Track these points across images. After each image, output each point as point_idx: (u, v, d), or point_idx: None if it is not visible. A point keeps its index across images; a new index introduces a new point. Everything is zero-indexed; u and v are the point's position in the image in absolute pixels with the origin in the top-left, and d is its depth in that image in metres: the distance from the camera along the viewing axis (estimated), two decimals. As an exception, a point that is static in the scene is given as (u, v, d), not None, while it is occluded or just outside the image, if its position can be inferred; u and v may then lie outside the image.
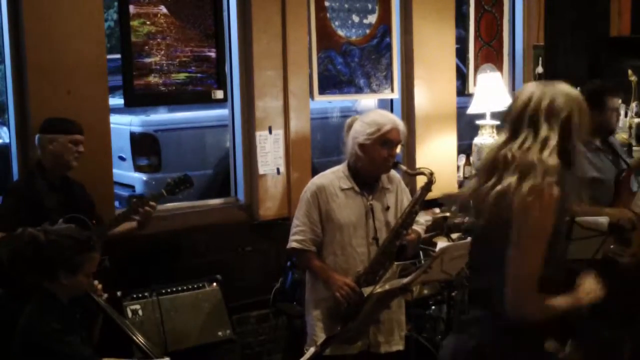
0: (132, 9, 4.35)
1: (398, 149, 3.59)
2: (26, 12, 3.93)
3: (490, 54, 6.17)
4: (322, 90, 5.14)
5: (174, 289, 4.08)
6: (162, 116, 6.51)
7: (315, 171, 4.58)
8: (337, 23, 5.18)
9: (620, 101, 4.73)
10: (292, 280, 4.49)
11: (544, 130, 2.39)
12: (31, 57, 3.96)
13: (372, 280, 3.46)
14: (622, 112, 5.35)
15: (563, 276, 2.47)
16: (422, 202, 3.59)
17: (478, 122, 5.64)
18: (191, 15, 4.57)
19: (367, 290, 3.42)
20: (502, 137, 2.50)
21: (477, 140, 5.58)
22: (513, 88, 6.34)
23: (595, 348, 3.80)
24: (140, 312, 3.92)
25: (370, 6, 5.34)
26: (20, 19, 3.95)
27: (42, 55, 3.98)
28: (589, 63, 6.03)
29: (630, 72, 5.49)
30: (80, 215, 3.40)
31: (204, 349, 4.08)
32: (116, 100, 5.23)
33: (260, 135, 4.79)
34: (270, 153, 4.83)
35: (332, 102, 6.64)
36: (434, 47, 5.57)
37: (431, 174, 3.58)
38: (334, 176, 3.60)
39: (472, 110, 5.68)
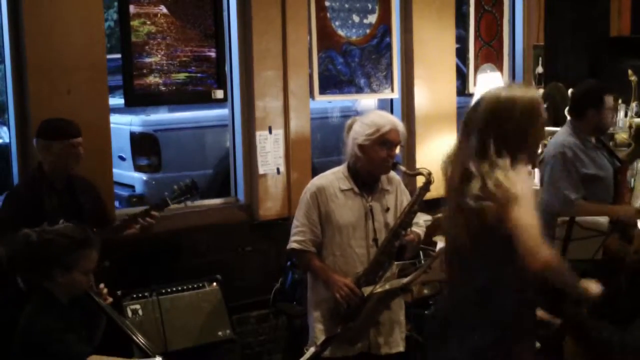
0: (132, 9, 4.36)
1: (397, 150, 3.59)
2: (26, 12, 3.94)
3: (490, 54, 6.17)
4: (323, 90, 5.14)
5: (174, 289, 4.09)
6: (162, 116, 6.50)
7: (315, 171, 4.59)
8: (337, 23, 5.18)
9: (619, 100, 4.75)
10: (292, 280, 4.50)
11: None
12: (31, 57, 3.96)
13: (372, 280, 3.46)
14: (622, 112, 5.36)
15: None
16: (421, 202, 3.59)
17: (478, 122, 5.63)
18: (191, 15, 4.57)
19: (367, 290, 3.42)
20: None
21: (477, 140, 5.57)
22: (513, 88, 6.33)
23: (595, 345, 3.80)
24: (140, 312, 3.92)
25: (370, 6, 5.34)
26: (20, 19, 3.96)
27: (42, 55, 3.98)
28: (589, 63, 6.05)
29: (630, 72, 5.49)
30: (74, 222, 3.37)
31: (204, 349, 4.09)
32: (116, 100, 5.24)
33: (260, 135, 4.79)
34: (270, 153, 4.83)
35: (332, 102, 6.64)
36: (434, 47, 5.57)
37: (429, 174, 3.58)
38: (334, 177, 3.60)
39: (472, 110, 5.67)
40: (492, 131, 2.51)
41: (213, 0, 4.64)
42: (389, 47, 5.43)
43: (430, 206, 3.76)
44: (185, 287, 4.13)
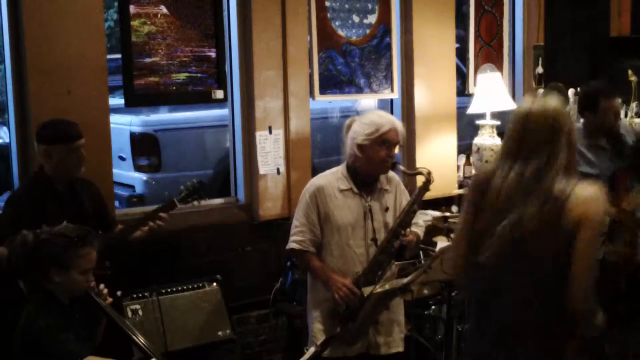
0: (132, 9, 4.36)
1: (396, 150, 3.59)
2: (26, 12, 3.94)
3: (490, 54, 6.17)
4: (323, 90, 5.14)
5: (174, 289, 4.08)
6: (162, 116, 6.51)
7: (315, 171, 4.59)
8: (337, 23, 5.19)
9: (619, 101, 4.74)
10: (292, 280, 4.50)
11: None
12: (31, 57, 3.96)
13: (372, 280, 3.46)
14: (622, 112, 5.35)
15: None
16: (420, 202, 3.59)
17: (478, 122, 5.64)
18: (191, 15, 4.57)
19: (366, 290, 3.42)
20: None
21: (477, 140, 5.58)
22: (513, 88, 6.34)
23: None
24: (140, 312, 3.92)
25: (370, 6, 5.35)
26: (20, 19, 3.96)
27: (42, 55, 3.98)
28: (589, 63, 6.04)
29: (630, 72, 5.48)
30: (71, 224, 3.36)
31: (204, 348, 4.08)
32: (116, 100, 5.24)
33: (260, 135, 4.79)
34: (270, 153, 4.83)
35: (332, 102, 6.65)
36: (434, 47, 5.57)
37: (429, 173, 3.58)
38: (333, 177, 3.60)
39: (472, 110, 5.68)
40: (565, 142, 2.49)
41: (213, 0, 4.64)
42: (388, 47, 5.43)
43: (429, 206, 3.77)
44: (185, 287, 4.12)
